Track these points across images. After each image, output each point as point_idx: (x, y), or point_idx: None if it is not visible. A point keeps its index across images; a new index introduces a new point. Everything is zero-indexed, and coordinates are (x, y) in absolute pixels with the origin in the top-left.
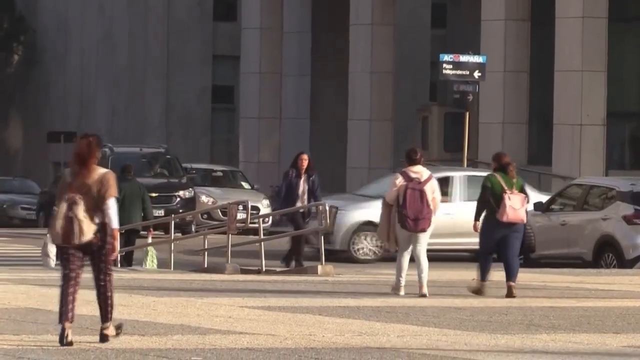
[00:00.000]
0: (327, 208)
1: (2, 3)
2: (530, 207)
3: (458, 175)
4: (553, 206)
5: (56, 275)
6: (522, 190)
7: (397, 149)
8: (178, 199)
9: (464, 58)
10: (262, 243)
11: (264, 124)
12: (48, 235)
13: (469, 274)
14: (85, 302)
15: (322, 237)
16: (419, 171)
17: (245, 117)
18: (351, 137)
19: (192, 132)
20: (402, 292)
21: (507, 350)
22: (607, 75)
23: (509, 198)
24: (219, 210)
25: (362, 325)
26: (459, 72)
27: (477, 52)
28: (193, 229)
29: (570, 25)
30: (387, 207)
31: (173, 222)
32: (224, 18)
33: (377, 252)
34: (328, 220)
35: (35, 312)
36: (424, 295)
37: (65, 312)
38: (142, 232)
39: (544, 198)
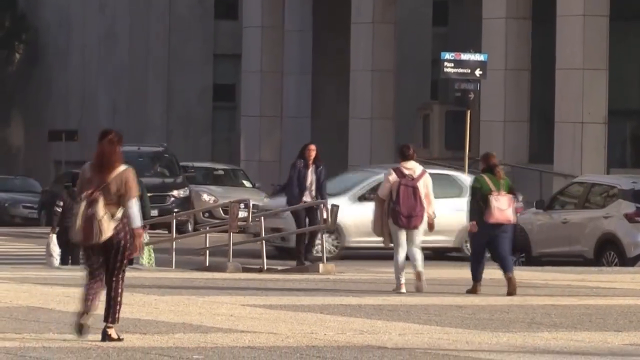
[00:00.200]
0: (330, 206)
1: (4, 1)
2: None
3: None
4: (555, 204)
5: (58, 274)
6: (509, 191)
7: (398, 147)
8: (172, 198)
9: (465, 56)
10: (264, 242)
11: (265, 123)
12: (51, 234)
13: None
14: None
15: (323, 235)
16: (412, 167)
17: (246, 115)
18: (352, 136)
19: (193, 131)
20: (403, 290)
21: (508, 349)
22: (609, 74)
23: (496, 199)
24: (220, 209)
25: (363, 323)
26: (460, 70)
27: (478, 50)
28: (190, 228)
29: (572, 23)
30: (380, 202)
31: (175, 221)
32: (225, 16)
33: (332, 250)
34: (330, 219)
35: (37, 310)
36: (420, 286)
37: (84, 307)
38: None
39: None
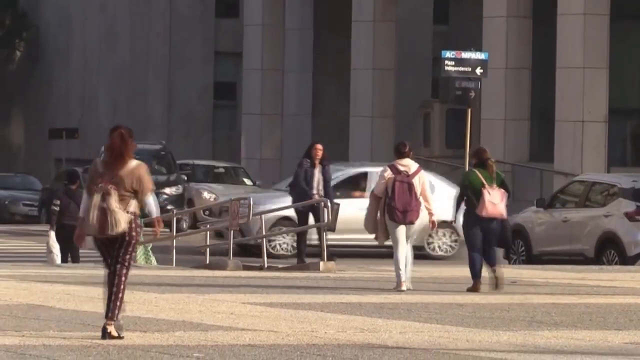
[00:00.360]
0: (330, 205)
1: (5, 0)
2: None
3: (376, 171)
4: (555, 203)
5: (58, 272)
6: (502, 186)
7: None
8: (165, 196)
9: (466, 55)
10: (264, 240)
11: (266, 121)
12: (51, 233)
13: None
14: (88, 298)
15: (324, 234)
16: (407, 164)
17: (247, 113)
18: (353, 134)
19: (194, 129)
20: (404, 287)
21: (509, 347)
22: (609, 72)
23: (489, 193)
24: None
25: (364, 321)
26: (460, 68)
27: (479, 49)
28: (184, 226)
29: (572, 22)
30: (375, 199)
31: (175, 219)
32: (226, 15)
33: (290, 249)
34: (330, 217)
35: (37, 308)
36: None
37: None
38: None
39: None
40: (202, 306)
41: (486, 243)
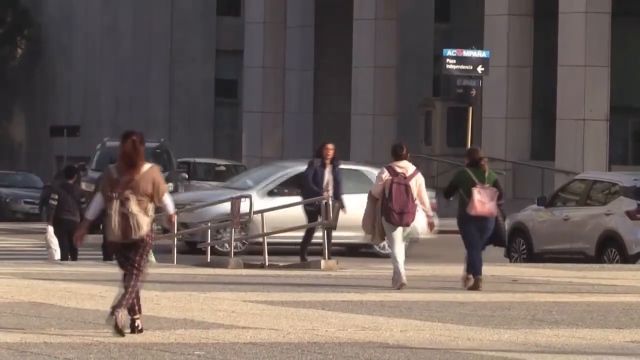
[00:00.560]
0: (331, 203)
1: None
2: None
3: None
4: (556, 201)
5: (59, 270)
6: (494, 185)
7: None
8: None
9: (467, 53)
10: (265, 238)
11: (267, 119)
12: (49, 227)
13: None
14: (89, 296)
15: (326, 232)
16: (405, 166)
17: (248, 111)
18: (354, 132)
19: (195, 126)
20: (404, 280)
21: (510, 346)
22: (611, 71)
23: (479, 192)
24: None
25: (365, 319)
26: (462, 66)
27: (480, 47)
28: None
29: (574, 21)
30: (372, 200)
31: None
32: (228, 12)
33: (239, 246)
34: (331, 215)
35: (38, 306)
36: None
37: (132, 307)
38: None
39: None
40: (204, 304)
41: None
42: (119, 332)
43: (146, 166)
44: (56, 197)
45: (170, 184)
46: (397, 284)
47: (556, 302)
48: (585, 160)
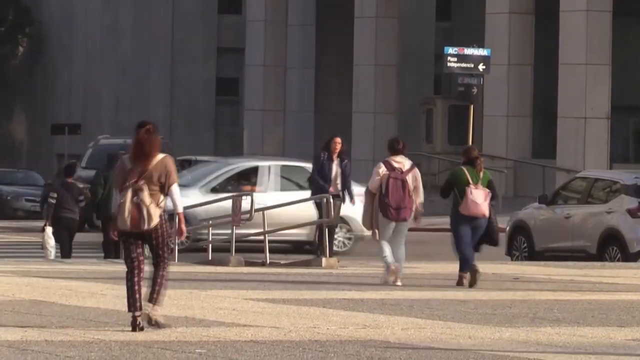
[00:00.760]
0: (332, 201)
1: None
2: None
3: (267, 165)
4: (557, 199)
5: (60, 268)
6: (489, 185)
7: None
8: None
9: (468, 51)
10: (267, 235)
11: (268, 117)
12: (47, 228)
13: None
14: (90, 294)
15: (327, 230)
16: (401, 161)
17: (249, 109)
18: (355, 130)
19: (196, 124)
20: (393, 267)
21: (511, 344)
22: (612, 69)
23: (471, 192)
24: None
25: (366, 318)
26: (463, 65)
27: (481, 45)
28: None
29: (575, 19)
30: (370, 196)
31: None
32: (229, 11)
33: (180, 243)
34: (332, 213)
35: (39, 304)
36: (397, 285)
37: (134, 301)
38: None
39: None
40: (205, 302)
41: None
42: (158, 326)
43: (160, 155)
44: (55, 195)
45: None
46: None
47: (557, 300)
48: (586, 158)
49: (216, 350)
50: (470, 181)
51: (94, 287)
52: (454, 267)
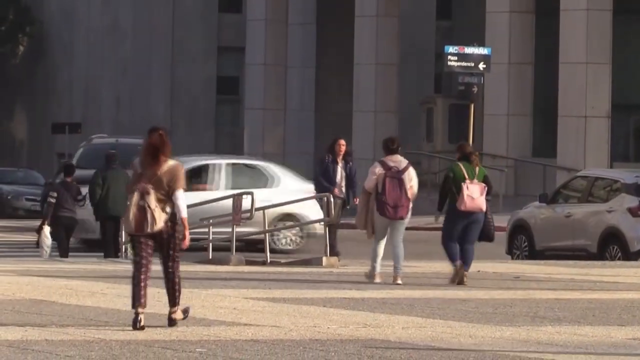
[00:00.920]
0: (332, 200)
1: None
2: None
3: (217, 163)
4: (558, 198)
5: (60, 267)
6: (484, 180)
7: (402, 140)
8: None
9: (469, 50)
10: (267, 234)
11: (269, 116)
12: (44, 227)
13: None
14: (90, 293)
15: (327, 229)
16: (397, 160)
17: (250, 108)
18: (356, 129)
19: (196, 124)
20: (377, 280)
21: (512, 343)
22: (612, 68)
23: (467, 187)
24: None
25: (366, 317)
26: (463, 64)
27: (482, 44)
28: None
29: (575, 18)
30: (366, 195)
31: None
32: (229, 10)
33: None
34: (333, 212)
35: (39, 303)
36: (397, 284)
37: (138, 297)
38: None
39: (304, 186)
40: (205, 301)
41: (468, 238)
42: (183, 319)
43: (171, 162)
44: (55, 195)
45: None
46: (370, 277)
47: (558, 299)
48: (586, 157)
49: (217, 350)
50: (467, 176)
51: (94, 286)
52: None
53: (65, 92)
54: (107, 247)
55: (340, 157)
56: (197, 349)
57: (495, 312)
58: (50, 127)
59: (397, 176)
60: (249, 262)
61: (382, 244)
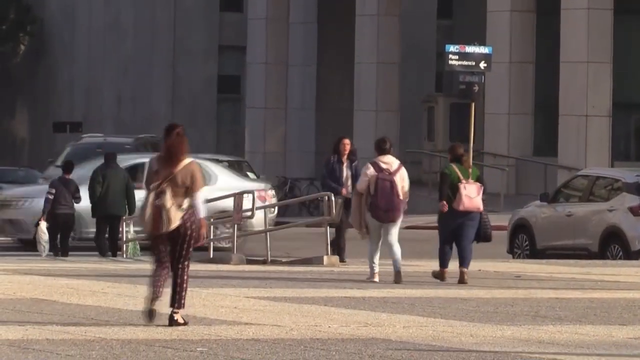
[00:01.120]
0: (333, 199)
1: None
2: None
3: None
4: (559, 197)
5: (61, 266)
6: (478, 180)
7: (403, 139)
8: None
9: (469, 49)
10: (268, 233)
11: (270, 115)
12: (41, 223)
13: (472, 265)
14: (91, 292)
15: (327, 229)
16: (389, 161)
17: (251, 107)
18: (357, 128)
19: (198, 122)
20: (376, 279)
21: (513, 342)
22: (613, 67)
23: (465, 187)
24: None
25: (368, 316)
26: (464, 62)
27: (483, 43)
28: None
29: (576, 17)
30: (358, 196)
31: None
32: (230, 8)
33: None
34: (334, 211)
35: (40, 302)
36: (398, 282)
37: (155, 292)
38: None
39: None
40: (206, 300)
41: (465, 238)
42: (184, 325)
43: (186, 160)
44: (53, 191)
45: None
46: (368, 278)
47: (559, 298)
48: (587, 156)
49: (217, 349)
50: (462, 177)
51: (95, 285)
52: (454, 265)
53: (66, 91)
54: (101, 246)
55: (345, 156)
56: (198, 348)
57: (496, 312)
58: (51, 126)
59: (389, 178)
60: (250, 262)
61: (378, 244)
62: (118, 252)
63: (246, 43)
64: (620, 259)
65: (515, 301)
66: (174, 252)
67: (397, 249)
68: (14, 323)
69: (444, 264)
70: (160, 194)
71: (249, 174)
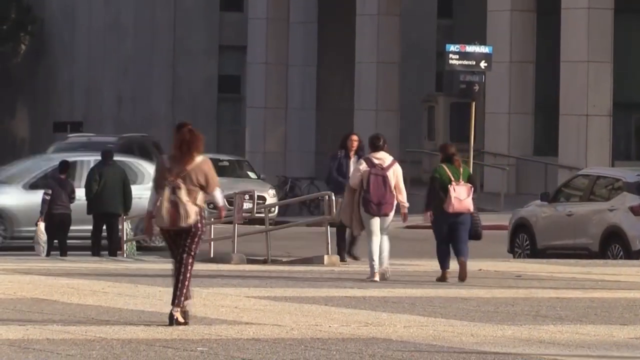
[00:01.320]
0: (333, 198)
1: None
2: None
3: (86, 160)
4: (559, 197)
5: (62, 266)
6: (469, 179)
7: (403, 139)
8: None
9: (470, 48)
10: (268, 233)
11: (270, 114)
12: (39, 224)
13: (472, 264)
14: (91, 292)
15: (328, 228)
16: (382, 157)
17: (251, 107)
18: (357, 127)
19: (198, 122)
20: (377, 278)
21: (513, 341)
22: (613, 66)
23: (454, 189)
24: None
25: (368, 315)
26: (465, 62)
27: (483, 43)
28: None
29: (577, 16)
30: (351, 191)
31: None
32: (231, 8)
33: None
34: (334, 210)
35: (40, 302)
36: (384, 274)
37: (178, 297)
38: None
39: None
40: (206, 300)
41: (458, 238)
42: (184, 324)
43: (199, 158)
44: (50, 192)
45: None
46: (369, 277)
47: (560, 298)
48: (588, 156)
49: (218, 348)
50: (452, 178)
51: (95, 285)
52: (454, 265)
53: (67, 90)
54: (96, 244)
55: (353, 152)
56: (198, 348)
57: (497, 311)
58: (51, 126)
59: (381, 173)
60: (250, 261)
61: (377, 241)
62: (118, 252)
63: (246, 43)
64: (621, 258)
65: (515, 301)
66: (181, 247)
67: (386, 245)
68: (15, 323)
69: (444, 265)
70: (175, 190)
71: (249, 173)
